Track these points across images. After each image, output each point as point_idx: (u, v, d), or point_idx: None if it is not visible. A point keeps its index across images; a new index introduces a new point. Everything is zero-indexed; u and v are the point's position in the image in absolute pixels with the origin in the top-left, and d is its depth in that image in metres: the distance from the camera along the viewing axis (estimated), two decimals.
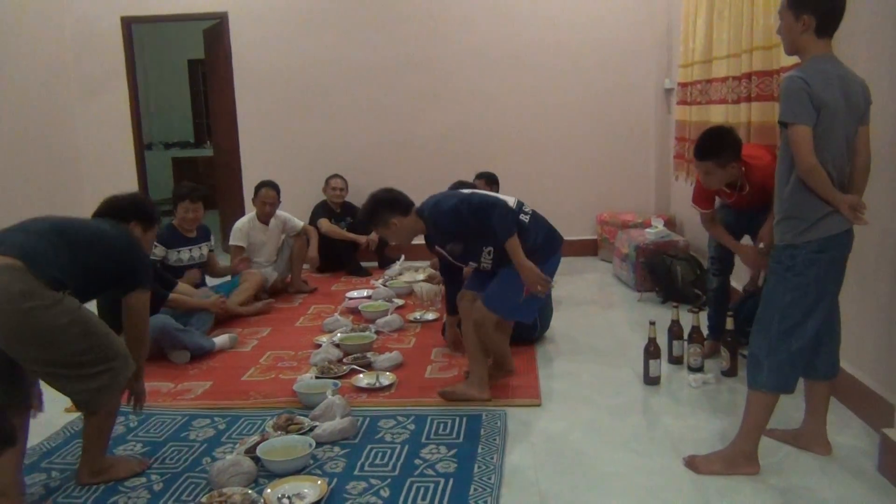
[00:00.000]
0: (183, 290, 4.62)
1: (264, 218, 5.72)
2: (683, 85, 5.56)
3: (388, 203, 3.57)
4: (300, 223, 5.95)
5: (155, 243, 4.81)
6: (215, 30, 6.93)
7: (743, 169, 3.49)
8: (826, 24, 2.56)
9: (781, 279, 2.65)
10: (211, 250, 5.26)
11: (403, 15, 6.64)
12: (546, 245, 3.58)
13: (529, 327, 4.14)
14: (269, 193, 5.66)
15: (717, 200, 3.87)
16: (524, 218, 3.55)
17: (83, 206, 6.91)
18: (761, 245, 3.52)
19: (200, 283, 5.14)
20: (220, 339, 4.43)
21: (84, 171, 6.97)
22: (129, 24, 6.80)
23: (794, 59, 3.01)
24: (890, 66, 2.91)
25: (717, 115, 4.69)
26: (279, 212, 5.84)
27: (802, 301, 2.62)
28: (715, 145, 3.43)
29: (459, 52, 6.66)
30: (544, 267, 3.52)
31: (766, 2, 3.87)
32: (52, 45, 6.64)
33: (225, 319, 4.99)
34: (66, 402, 3.68)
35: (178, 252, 4.96)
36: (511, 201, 3.54)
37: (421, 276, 5.73)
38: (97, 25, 6.78)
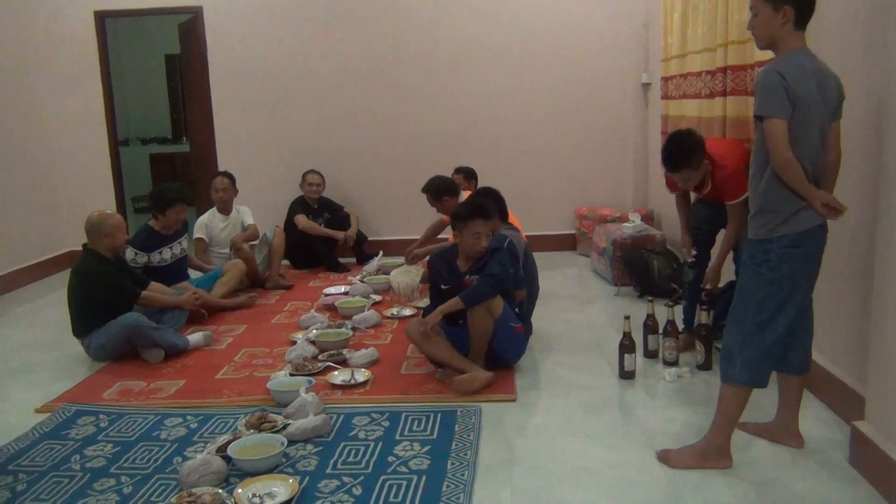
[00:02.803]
0: (155, 288, 4.57)
1: (221, 206, 5.75)
2: (666, 79, 5.54)
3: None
4: (250, 221, 5.89)
5: (135, 251, 4.82)
6: (190, 24, 6.86)
7: (710, 167, 3.57)
8: (804, 15, 2.56)
9: (755, 274, 2.65)
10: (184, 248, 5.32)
11: (380, 10, 6.59)
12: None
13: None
14: (222, 180, 5.75)
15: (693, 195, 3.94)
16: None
17: (57, 204, 6.85)
18: (707, 286, 3.76)
19: (183, 276, 5.21)
20: (195, 338, 4.39)
21: (57, 168, 6.88)
22: (102, 18, 6.71)
23: (769, 54, 3.01)
24: (861, 61, 2.91)
25: (692, 109, 4.69)
26: (242, 206, 5.87)
27: (776, 295, 2.61)
28: (685, 153, 3.53)
29: (436, 47, 6.62)
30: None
31: None
32: (24, 40, 6.53)
33: (210, 312, 5.01)
34: (36, 402, 3.66)
35: (160, 253, 5.00)
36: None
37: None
38: (70, 20, 6.68)
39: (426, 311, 4.04)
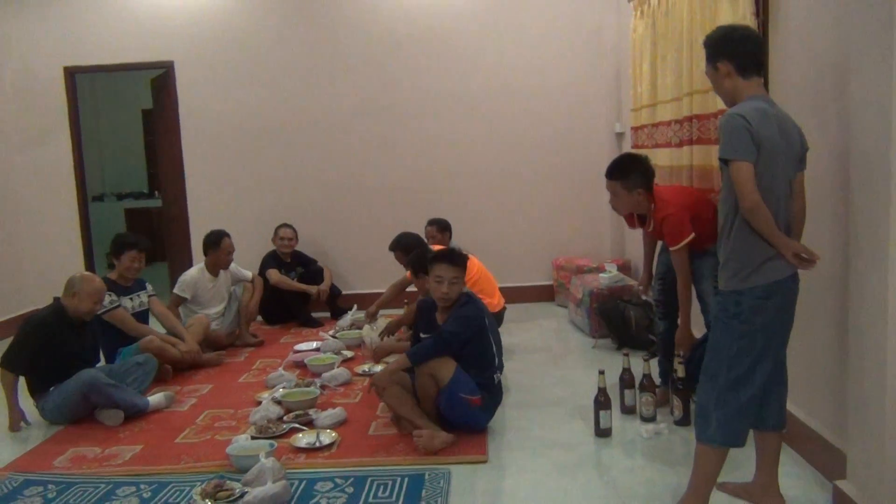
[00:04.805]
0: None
1: (222, 268, 5.58)
2: (635, 129, 5.54)
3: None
4: (249, 273, 5.82)
5: (108, 293, 4.66)
6: (162, 79, 6.82)
7: (653, 206, 3.60)
8: (745, 64, 2.54)
9: (727, 327, 2.55)
10: (151, 295, 5.09)
11: (353, 61, 6.59)
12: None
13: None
14: (230, 242, 5.58)
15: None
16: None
17: (21, 262, 6.70)
18: (680, 352, 3.69)
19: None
20: (156, 398, 4.21)
21: (23, 226, 6.75)
22: (72, 74, 6.66)
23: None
24: (819, 117, 2.89)
25: (663, 158, 4.66)
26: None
27: (750, 349, 2.52)
28: (623, 167, 3.64)
29: (410, 99, 6.61)
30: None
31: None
32: None
33: (181, 369, 4.89)
34: None
35: (120, 300, 4.83)
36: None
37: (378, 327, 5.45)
38: (39, 76, 6.63)
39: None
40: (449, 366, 3.52)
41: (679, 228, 3.49)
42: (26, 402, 4.18)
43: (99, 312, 4.60)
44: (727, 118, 2.46)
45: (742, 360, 2.53)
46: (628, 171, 3.59)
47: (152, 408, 4.16)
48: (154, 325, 5.13)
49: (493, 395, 3.68)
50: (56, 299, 4.26)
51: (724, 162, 2.47)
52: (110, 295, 4.70)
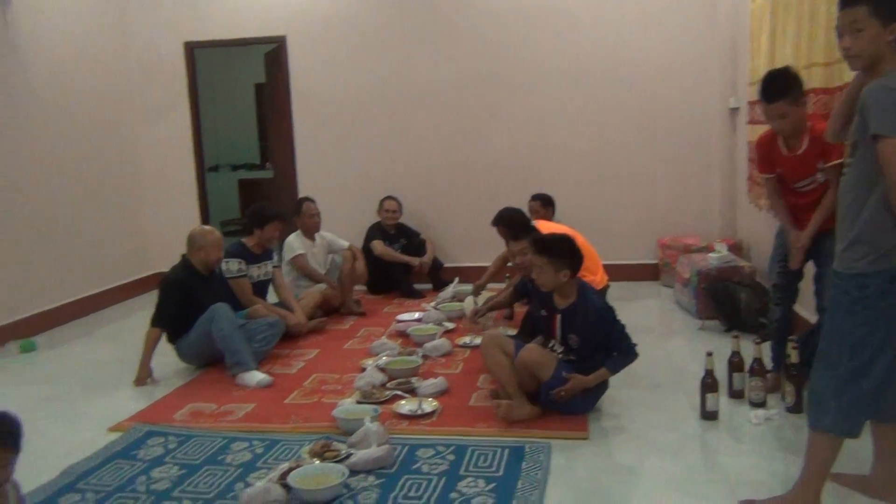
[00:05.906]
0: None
1: (311, 231, 5.77)
2: (752, 104, 5.32)
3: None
4: (345, 242, 5.96)
5: (238, 260, 4.90)
6: (274, 53, 7.04)
7: (810, 123, 3.36)
8: None
9: (850, 312, 2.42)
10: (276, 266, 5.29)
11: (460, 35, 6.60)
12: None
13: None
14: (312, 206, 5.78)
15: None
16: None
17: (144, 228, 7.10)
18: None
19: (263, 298, 5.19)
20: (258, 375, 4.22)
21: (146, 193, 7.16)
22: (191, 49, 6.97)
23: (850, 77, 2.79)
24: None
25: None
26: (323, 232, 5.86)
27: (874, 337, 2.38)
28: (785, 82, 3.30)
29: (516, 72, 6.56)
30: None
31: (828, 16, 3.64)
32: (118, 71, 6.85)
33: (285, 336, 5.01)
34: (109, 420, 3.73)
35: (248, 268, 5.02)
36: None
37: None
38: (161, 51, 6.98)
39: (519, 336, 3.90)
40: (550, 365, 3.51)
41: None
42: (159, 352, 4.46)
43: (227, 277, 4.86)
44: (882, 91, 2.28)
45: (865, 348, 2.39)
46: (790, 85, 3.30)
47: (251, 379, 4.18)
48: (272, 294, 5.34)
49: (598, 386, 3.59)
50: (183, 256, 4.59)
51: (873, 137, 2.32)
52: (239, 263, 4.91)
